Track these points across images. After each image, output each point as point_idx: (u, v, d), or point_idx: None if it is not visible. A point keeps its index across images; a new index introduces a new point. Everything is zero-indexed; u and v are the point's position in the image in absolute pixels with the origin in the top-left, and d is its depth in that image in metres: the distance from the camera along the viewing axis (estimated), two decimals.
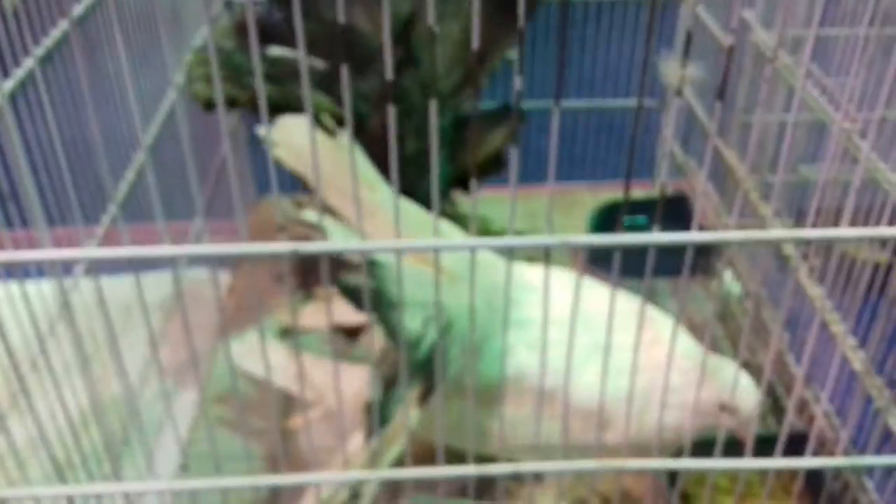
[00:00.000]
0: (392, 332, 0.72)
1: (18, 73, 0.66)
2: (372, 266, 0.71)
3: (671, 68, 0.47)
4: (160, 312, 0.97)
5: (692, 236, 0.52)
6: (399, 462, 0.76)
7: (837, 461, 0.64)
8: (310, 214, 0.74)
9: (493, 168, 1.06)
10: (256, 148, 1.38)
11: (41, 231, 0.55)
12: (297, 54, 1.02)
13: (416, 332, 0.73)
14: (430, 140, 0.48)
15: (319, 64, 1.02)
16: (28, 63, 0.66)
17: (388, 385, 0.74)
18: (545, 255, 0.53)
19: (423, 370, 0.74)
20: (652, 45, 0.47)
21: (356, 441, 0.77)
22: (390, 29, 1.03)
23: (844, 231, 0.52)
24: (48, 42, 0.70)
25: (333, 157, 0.73)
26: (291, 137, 0.73)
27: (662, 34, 1.34)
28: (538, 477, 0.93)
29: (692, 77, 0.45)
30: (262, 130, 0.76)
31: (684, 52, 0.44)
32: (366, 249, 0.53)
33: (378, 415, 0.74)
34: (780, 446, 0.62)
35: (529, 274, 0.84)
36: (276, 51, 1.01)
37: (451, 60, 1.00)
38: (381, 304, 0.71)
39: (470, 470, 0.61)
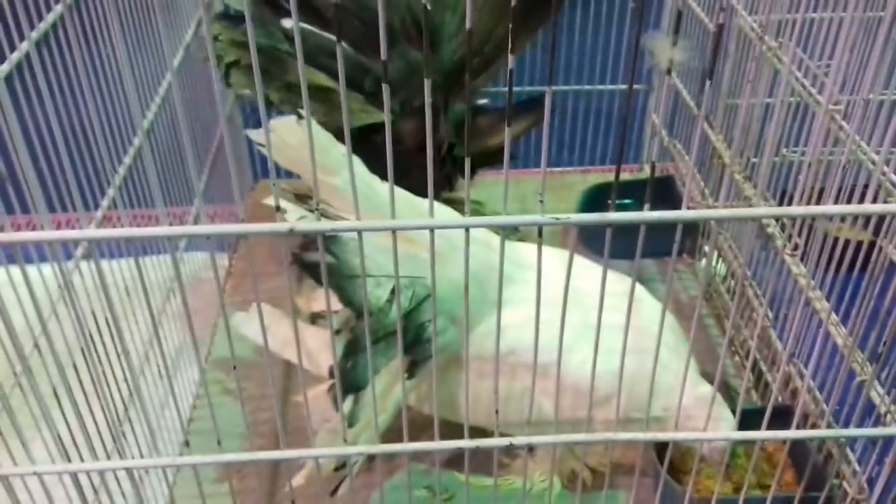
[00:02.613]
0: (349, 300, 0.79)
1: (14, 57, 0.66)
2: (330, 241, 0.78)
3: (660, 48, 0.48)
4: (159, 295, 0.98)
5: (682, 214, 0.54)
6: (391, 430, 0.79)
7: (822, 433, 0.66)
8: (272, 200, 0.80)
9: (499, 158, 1.09)
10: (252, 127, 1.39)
11: (41, 213, 0.56)
12: (316, 28, 1.04)
13: (377, 301, 0.78)
14: (439, 127, 0.49)
15: (345, 45, 1.03)
16: (24, 46, 0.67)
17: (353, 350, 0.80)
18: (538, 233, 0.54)
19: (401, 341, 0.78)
20: (641, 28, 0.48)
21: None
22: (412, 16, 1.04)
23: (828, 208, 0.54)
24: (43, 25, 0.70)
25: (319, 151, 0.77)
26: (280, 138, 0.78)
27: (648, 19, 1.36)
28: (530, 451, 0.96)
29: (680, 57, 0.46)
30: (252, 134, 0.81)
31: (674, 30, 0.46)
32: (361, 228, 0.54)
33: (345, 377, 0.78)
34: (766, 419, 0.63)
35: (522, 251, 0.86)
36: (289, 23, 1.03)
37: (474, 47, 1.01)
38: (338, 275, 0.78)
39: (465, 443, 0.63)
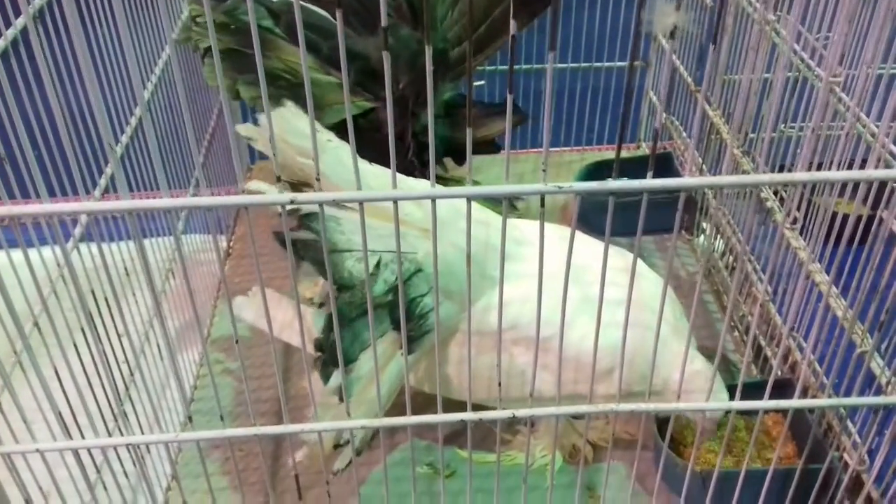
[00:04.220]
0: (327, 273, 0.77)
1: (9, 33, 0.66)
2: (310, 217, 0.78)
3: (661, 13, 0.48)
4: (157, 276, 0.98)
5: (684, 181, 0.53)
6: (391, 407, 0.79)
7: (824, 402, 0.66)
8: (254, 183, 0.81)
9: (485, 149, 1.08)
10: (248, 118, 1.39)
11: (40, 189, 0.56)
12: (305, 4, 1.01)
13: (360, 274, 0.78)
14: (420, 113, 0.49)
15: (330, 21, 1.01)
16: (20, 21, 0.66)
17: (339, 323, 0.78)
18: (541, 202, 0.54)
19: (390, 315, 0.79)
20: (643, 4, 0.48)
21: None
22: None
23: (831, 174, 0.53)
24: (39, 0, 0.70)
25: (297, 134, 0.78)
26: (265, 127, 0.78)
27: None
28: (531, 426, 0.96)
29: (682, 22, 0.46)
30: (240, 129, 0.80)
31: None
32: (363, 198, 0.54)
33: (329, 351, 0.78)
34: (768, 389, 0.63)
35: (521, 228, 0.86)
36: None
37: (463, 31, 1.00)
38: (319, 250, 0.77)
39: (468, 415, 0.63)
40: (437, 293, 0.56)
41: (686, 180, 0.54)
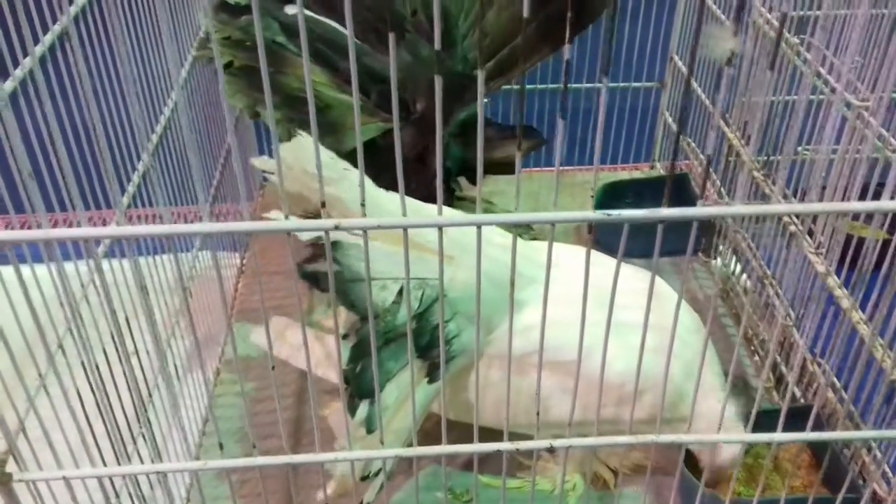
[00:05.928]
0: (352, 304, 0.77)
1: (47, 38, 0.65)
2: (333, 247, 0.75)
3: (718, 38, 0.47)
4: (175, 296, 0.96)
5: (732, 209, 0.52)
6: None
7: (864, 434, 0.65)
8: (273, 214, 0.80)
9: (501, 170, 1.07)
10: (264, 134, 1.38)
11: (76, 203, 0.54)
12: (320, 17, 0.99)
13: (383, 303, 0.77)
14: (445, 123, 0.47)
15: (346, 37, 0.99)
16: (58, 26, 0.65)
17: (360, 354, 0.77)
18: (588, 230, 0.53)
19: (415, 344, 0.77)
20: (701, 23, 0.47)
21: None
22: (426, 10, 1.00)
23: (885, 204, 0.52)
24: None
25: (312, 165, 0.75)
26: (282, 160, 0.76)
27: (658, 19, 1.35)
28: (551, 452, 0.94)
29: (738, 48, 0.45)
30: (256, 162, 0.79)
31: (735, 19, 0.44)
32: (407, 224, 0.53)
33: (354, 382, 0.76)
34: (811, 420, 0.62)
35: (545, 252, 0.85)
36: (292, 10, 0.98)
37: (489, 50, 0.98)
38: (341, 280, 0.76)
39: (504, 445, 0.61)
40: (478, 317, 0.55)
41: (733, 208, 0.53)
